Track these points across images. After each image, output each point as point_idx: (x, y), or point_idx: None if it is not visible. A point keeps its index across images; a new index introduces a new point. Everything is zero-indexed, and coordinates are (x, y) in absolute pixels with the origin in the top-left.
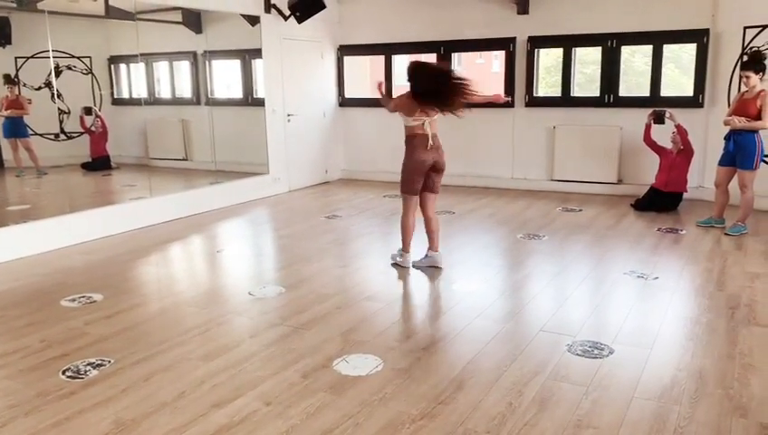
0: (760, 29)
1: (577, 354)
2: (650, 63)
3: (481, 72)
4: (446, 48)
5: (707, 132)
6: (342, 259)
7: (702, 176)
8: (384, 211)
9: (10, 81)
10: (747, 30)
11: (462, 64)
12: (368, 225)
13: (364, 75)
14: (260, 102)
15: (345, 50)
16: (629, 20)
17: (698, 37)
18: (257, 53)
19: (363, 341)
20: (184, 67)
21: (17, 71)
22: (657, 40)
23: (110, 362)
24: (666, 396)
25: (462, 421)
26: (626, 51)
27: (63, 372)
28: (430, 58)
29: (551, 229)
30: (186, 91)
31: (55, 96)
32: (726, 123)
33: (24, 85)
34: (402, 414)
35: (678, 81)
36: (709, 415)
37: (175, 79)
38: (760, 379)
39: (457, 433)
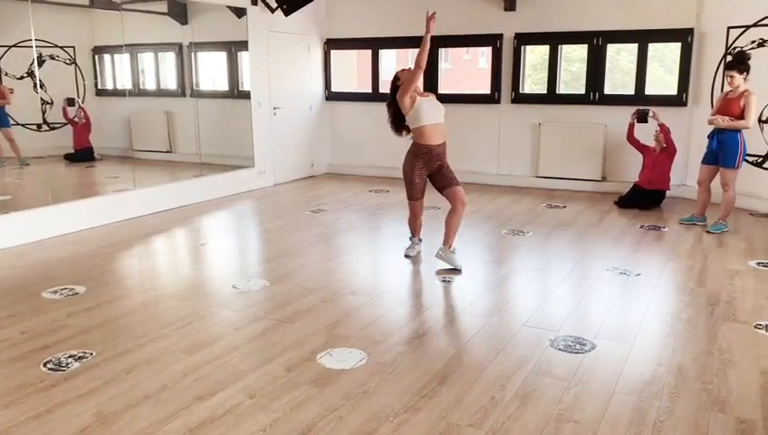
0: (743, 29)
1: (559, 349)
2: (635, 62)
3: (468, 68)
4: (434, 43)
5: (691, 131)
6: (327, 253)
7: (685, 174)
8: (370, 206)
9: None
10: (731, 30)
11: (449, 60)
12: (353, 219)
13: (351, 69)
14: (246, 95)
15: (332, 43)
16: (615, 18)
17: (683, 36)
18: (243, 45)
19: (347, 335)
20: (169, 58)
21: None
22: (643, 38)
23: (92, 354)
24: (646, 391)
25: (445, 415)
26: (611, 49)
27: (45, 365)
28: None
29: (535, 225)
30: (171, 82)
31: (38, 86)
32: (710, 122)
33: (6, 75)
34: (386, 408)
35: (663, 79)
36: (688, 409)
37: (160, 70)
38: (738, 374)
39: (440, 427)
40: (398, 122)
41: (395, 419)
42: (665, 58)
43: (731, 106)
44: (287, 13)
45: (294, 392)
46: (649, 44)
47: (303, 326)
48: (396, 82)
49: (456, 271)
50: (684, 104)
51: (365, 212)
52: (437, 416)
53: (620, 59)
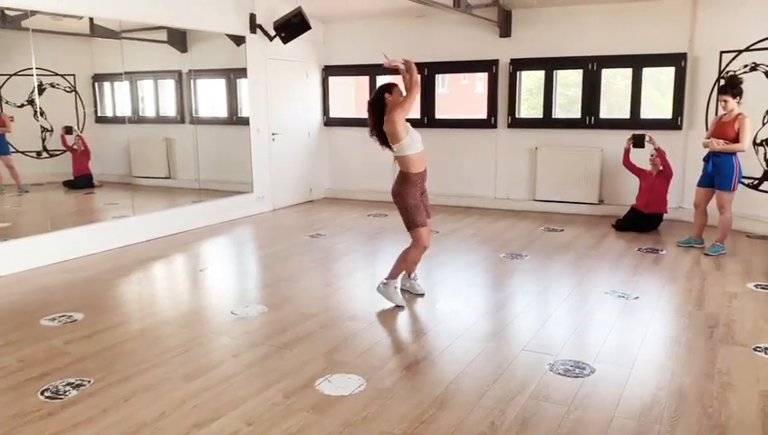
0: (735, 54)
1: (558, 374)
2: (630, 86)
3: (465, 93)
4: (430, 69)
5: (686, 154)
6: (326, 278)
7: (681, 197)
8: (368, 230)
9: None
10: (723, 54)
11: (446, 86)
12: (351, 244)
13: (349, 95)
14: (245, 121)
15: (330, 70)
16: (610, 43)
17: (676, 61)
18: (242, 72)
19: (346, 361)
20: (168, 86)
21: None
22: (637, 63)
23: (89, 382)
24: (646, 415)
25: None
26: (607, 73)
27: (42, 393)
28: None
29: (533, 249)
30: (170, 109)
31: (38, 114)
32: (705, 145)
33: (7, 102)
34: (385, 434)
35: (658, 103)
36: (689, 434)
37: (159, 97)
38: (738, 397)
39: None
40: (384, 136)
41: None
42: (660, 82)
43: (725, 129)
44: (285, 41)
45: (293, 419)
46: (644, 69)
47: (302, 352)
48: (384, 94)
49: (399, 307)
50: (679, 128)
51: (363, 237)
52: None
53: (616, 82)
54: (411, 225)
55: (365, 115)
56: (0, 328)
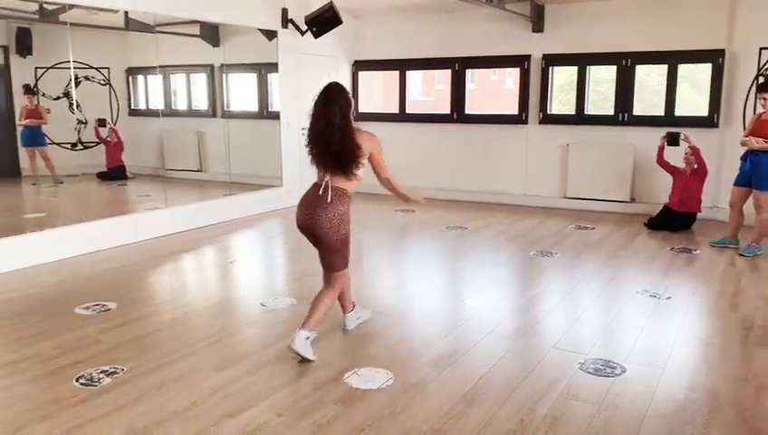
0: None
1: (589, 373)
2: (664, 83)
3: (494, 89)
4: (461, 65)
5: (722, 152)
6: (353, 273)
7: (716, 196)
8: (396, 225)
9: (29, 90)
10: (763, 51)
11: (475, 81)
12: (379, 239)
13: (378, 90)
14: (275, 116)
15: (360, 65)
16: (645, 39)
17: (714, 57)
18: (273, 66)
19: (374, 355)
20: (201, 80)
21: (36, 81)
22: (672, 60)
23: (123, 370)
24: (678, 417)
25: None
26: (641, 70)
27: (77, 380)
28: (447, 74)
29: (563, 247)
30: (202, 103)
31: (73, 106)
32: (743, 144)
33: (43, 95)
34: (413, 429)
35: (693, 100)
36: None
37: (191, 91)
38: None
39: None
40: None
41: None
42: (695, 79)
43: (765, 128)
44: (317, 35)
45: (322, 411)
46: (679, 66)
47: (331, 345)
48: (347, 106)
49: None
50: (715, 125)
51: (391, 232)
52: None
53: (650, 80)
54: (344, 263)
55: (394, 110)
56: (36, 316)
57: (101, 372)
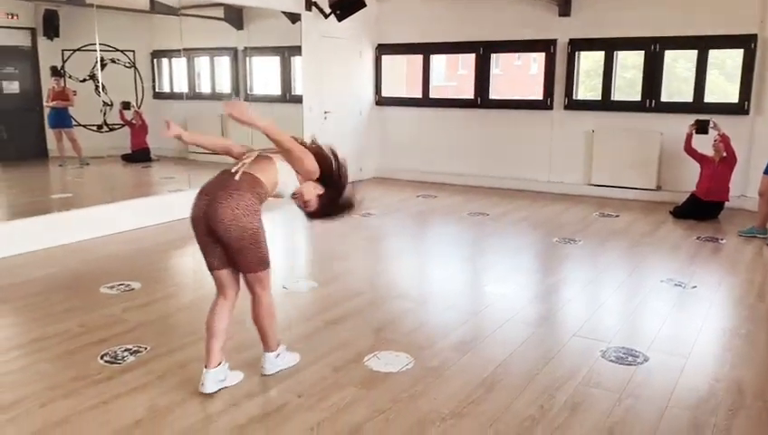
0: None
1: (611, 361)
2: (692, 69)
3: (519, 74)
4: (485, 49)
5: (752, 140)
6: (374, 257)
7: (745, 184)
8: (417, 211)
9: (56, 73)
10: None
11: (500, 66)
12: (400, 224)
13: (401, 74)
14: (298, 99)
15: (383, 49)
16: (674, 24)
17: (745, 43)
18: (296, 50)
19: (394, 338)
20: (224, 63)
21: (63, 63)
22: (702, 45)
23: (146, 348)
24: (702, 407)
25: (492, 422)
26: (668, 55)
27: (101, 357)
28: (470, 59)
29: (587, 234)
30: (225, 86)
31: (99, 88)
32: None
33: (70, 77)
34: (432, 412)
35: (722, 87)
36: (747, 428)
37: (215, 74)
38: None
39: (488, 434)
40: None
41: (441, 423)
42: (725, 65)
43: None
44: (340, 18)
45: (342, 393)
46: (709, 51)
47: (351, 328)
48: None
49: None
50: (746, 113)
51: (412, 217)
52: (485, 423)
53: (677, 66)
54: (265, 262)
55: (417, 95)
56: (62, 294)
57: (125, 350)
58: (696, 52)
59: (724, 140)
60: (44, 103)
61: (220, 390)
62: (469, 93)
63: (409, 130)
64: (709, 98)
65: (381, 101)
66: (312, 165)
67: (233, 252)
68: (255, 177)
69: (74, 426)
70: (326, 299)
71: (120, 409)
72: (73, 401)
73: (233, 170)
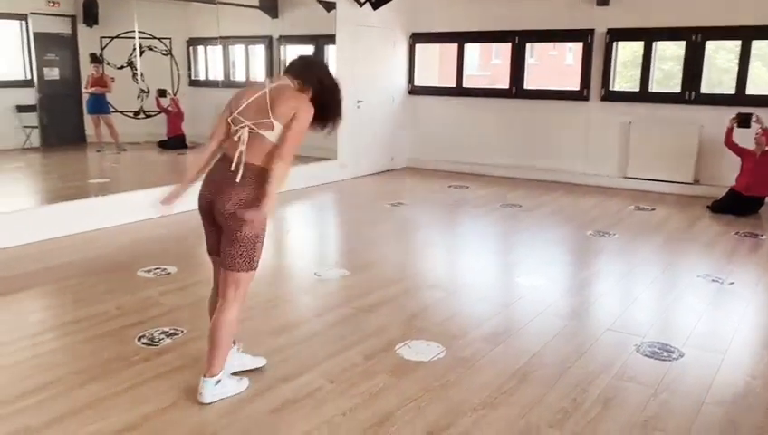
0: None
1: (645, 355)
2: (734, 60)
3: (554, 65)
4: (521, 38)
5: None
6: (406, 246)
7: None
8: (449, 201)
9: (95, 59)
10: None
11: (535, 56)
12: (432, 214)
13: (434, 63)
14: None
15: (417, 37)
16: (716, 14)
17: None
18: (331, 38)
19: (426, 328)
20: (259, 51)
21: (102, 50)
22: (746, 35)
23: (182, 331)
24: (738, 403)
25: (524, 414)
26: (709, 46)
27: (138, 339)
28: (505, 48)
29: (621, 228)
30: (260, 74)
31: (137, 75)
32: None
33: (108, 64)
34: (464, 402)
35: (765, 79)
36: None
37: (250, 62)
38: None
39: (519, 425)
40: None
41: (473, 414)
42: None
43: None
44: (375, 7)
45: (373, 380)
46: (753, 41)
47: (382, 316)
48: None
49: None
50: None
51: (444, 207)
52: (517, 414)
53: (718, 57)
54: (253, 263)
55: (451, 84)
56: (100, 276)
57: (162, 332)
58: (738, 42)
59: (766, 133)
60: (83, 90)
61: (248, 372)
62: (503, 83)
63: (442, 120)
64: (751, 90)
65: (414, 90)
66: (301, 138)
67: (226, 241)
68: (259, 166)
69: (108, 406)
70: (358, 287)
71: (156, 390)
72: (110, 381)
73: (232, 169)
